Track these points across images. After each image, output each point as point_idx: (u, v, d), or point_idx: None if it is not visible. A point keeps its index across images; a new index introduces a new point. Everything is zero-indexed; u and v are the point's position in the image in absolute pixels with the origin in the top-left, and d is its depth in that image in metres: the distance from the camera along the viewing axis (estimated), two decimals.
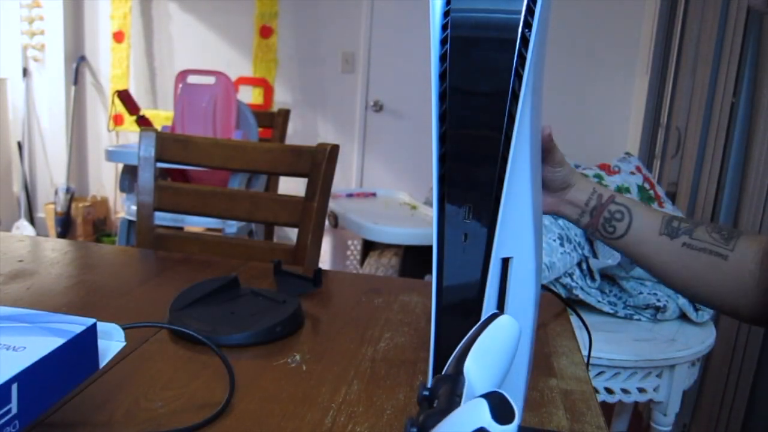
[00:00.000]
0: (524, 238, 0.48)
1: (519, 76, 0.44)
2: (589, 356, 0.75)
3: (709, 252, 0.67)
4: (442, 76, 0.45)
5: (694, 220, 0.70)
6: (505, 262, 0.47)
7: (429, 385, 0.34)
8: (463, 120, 0.46)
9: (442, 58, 0.45)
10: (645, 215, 0.69)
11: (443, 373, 0.36)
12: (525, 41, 0.44)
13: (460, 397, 0.32)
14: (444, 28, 0.45)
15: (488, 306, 0.46)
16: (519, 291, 0.48)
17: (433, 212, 0.47)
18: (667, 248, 0.68)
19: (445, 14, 0.45)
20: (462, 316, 0.47)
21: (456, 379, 0.33)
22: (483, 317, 0.44)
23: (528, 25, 0.44)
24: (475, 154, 0.46)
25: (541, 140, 0.52)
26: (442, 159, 0.46)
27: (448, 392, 0.32)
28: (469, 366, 0.34)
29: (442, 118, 0.46)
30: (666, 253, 0.68)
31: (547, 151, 0.65)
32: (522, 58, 0.44)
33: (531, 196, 0.48)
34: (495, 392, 0.31)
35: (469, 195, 0.46)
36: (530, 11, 0.44)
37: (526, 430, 0.35)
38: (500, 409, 0.29)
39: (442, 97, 0.45)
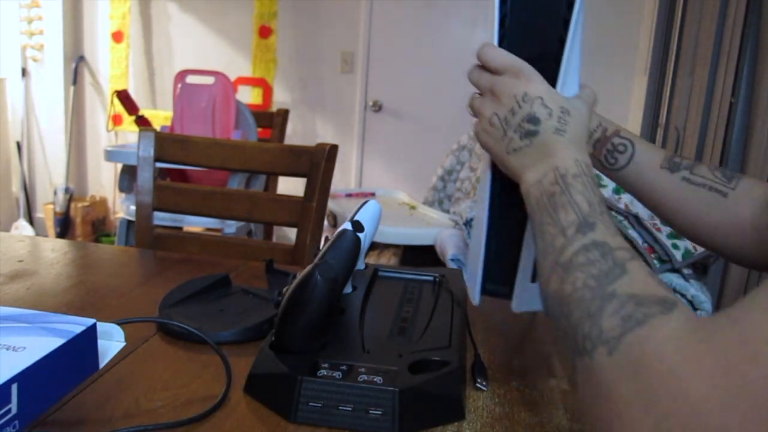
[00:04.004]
0: None
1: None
2: None
3: (709, 188, 0.65)
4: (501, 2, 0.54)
5: (699, 162, 0.68)
6: None
7: None
8: (523, 35, 0.54)
9: None
10: (648, 149, 0.68)
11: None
12: None
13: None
14: None
15: None
16: None
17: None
18: (666, 182, 0.66)
19: None
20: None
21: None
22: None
23: None
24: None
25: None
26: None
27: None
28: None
29: (502, 22, 0.54)
30: (665, 187, 0.66)
31: None
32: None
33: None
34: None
35: None
36: None
37: None
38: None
39: (502, 23, 0.54)
